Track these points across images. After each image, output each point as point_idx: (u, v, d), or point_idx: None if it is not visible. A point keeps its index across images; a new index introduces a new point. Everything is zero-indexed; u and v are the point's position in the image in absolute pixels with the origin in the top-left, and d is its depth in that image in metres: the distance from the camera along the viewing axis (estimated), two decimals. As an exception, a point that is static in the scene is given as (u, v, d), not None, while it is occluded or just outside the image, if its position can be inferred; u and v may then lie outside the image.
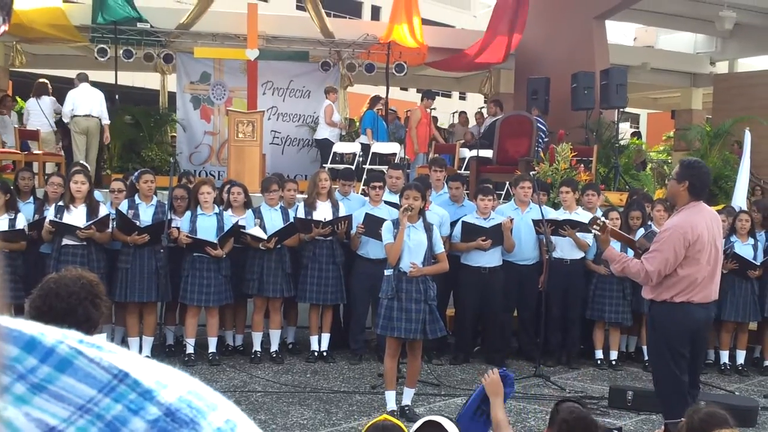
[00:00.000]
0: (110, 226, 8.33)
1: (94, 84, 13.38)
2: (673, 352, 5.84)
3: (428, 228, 6.99)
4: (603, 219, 6.30)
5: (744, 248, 9.25)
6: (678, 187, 5.80)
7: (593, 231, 6.08)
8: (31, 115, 13.59)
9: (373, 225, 8.49)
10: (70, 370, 0.68)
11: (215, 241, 8.42)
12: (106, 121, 12.86)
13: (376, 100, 15.33)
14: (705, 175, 5.90)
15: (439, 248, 7.07)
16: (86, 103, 12.66)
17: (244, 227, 8.74)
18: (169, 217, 8.40)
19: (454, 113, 19.82)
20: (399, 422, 3.74)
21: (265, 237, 8.60)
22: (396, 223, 6.93)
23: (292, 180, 9.97)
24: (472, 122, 18.38)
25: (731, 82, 19.83)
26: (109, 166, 14.31)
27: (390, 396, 6.96)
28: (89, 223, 8.10)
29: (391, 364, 6.95)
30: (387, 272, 6.95)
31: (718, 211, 9.82)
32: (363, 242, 8.86)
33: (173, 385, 0.71)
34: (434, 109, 15.73)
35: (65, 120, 13.07)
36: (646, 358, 9.02)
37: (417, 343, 6.94)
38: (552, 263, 8.84)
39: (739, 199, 11.48)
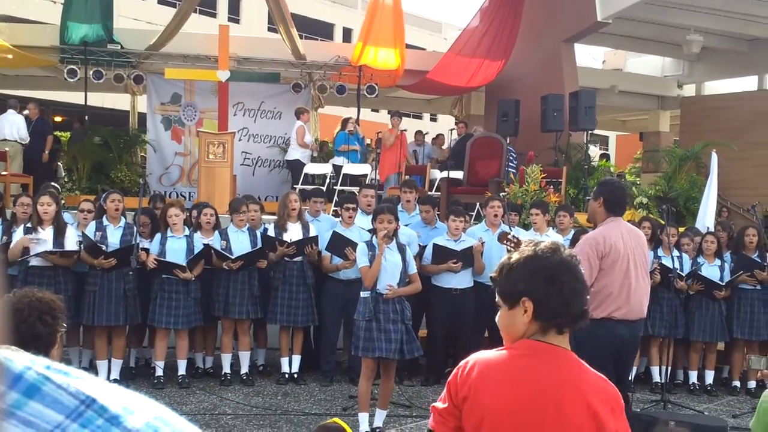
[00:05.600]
0: (76, 248, 8.25)
1: (64, 104, 13.47)
2: (596, 370, 5.80)
3: (402, 249, 7.03)
4: (515, 235, 6.35)
5: (710, 269, 9.34)
6: (594, 204, 5.92)
7: (506, 246, 6.09)
8: None
9: (339, 244, 8.48)
10: (38, 396, 0.68)
11: (184, 264, 8.37)
12: (24, 142, 14.25)
13: (346, 121, 15.36)
14: (619, 191, 5.99)
15: (413, 269, 7.11)
16: (2, 129, 14.03)
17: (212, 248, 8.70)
18: (137, 240, 8.34)
19: (417, 133, 19.88)
20: (345, 425, 3.82)
21: (231, 256, 8.58)
22: (370, 245, 6.94)
23: (255, 201, 9.89)
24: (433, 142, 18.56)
25: (698, 105, 20.09)
26: (78, 187, 14.23)
27: (363, 418, 6.93)
28: (55, 251, 8.04)
29: (367, 385, 6.92)
30: (364, 294, 6.94)
31: (682, 233, 9.96)
32: (335, 263, 8.84)
33: (140, 410, 0.71)
34: (405, 130, 15.77)
35: None
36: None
37: (391, 364, 6.94)
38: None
39: (708, 220, 11.61)
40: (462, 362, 2.48)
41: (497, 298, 2.51)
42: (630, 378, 6.30)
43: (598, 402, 2.38)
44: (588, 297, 2.47)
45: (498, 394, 2.36)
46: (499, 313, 2.54)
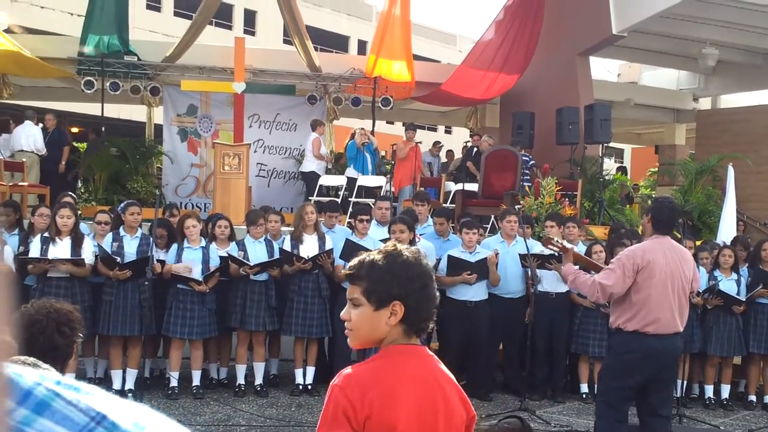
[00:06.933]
0: (92, 260, 8.28)
1: (81, 115, 13.57)
2: (621, 381, 5.88)
3: None
4: (561, 241, 6.42)
5: (727, 284, 9.28)
6: (644, 220, 6.33)
7: (551, 250, 6.30)
8: None
9: (353, 252, 8.47)
10: (47, 412, 0.68)
11: (200, 279, 8.40)
12: (40, 153, 14.59)
13: (354, 133, 15.33)
14: (666, 210, 6.14)
15: None
16: (19, 140, 14.37)
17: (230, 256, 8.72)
18: (153, 252, 8.36)
19: (435, 143, 19.93)
20: None
21: (250, 262, 8.61)
22: None
23: (276, 212, 9.92)
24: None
25: (714, 118, 20.00)
26: (94, 197, 14.28)
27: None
28: (67, 258, 8.07)
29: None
30: None
31: (699, 247, 9.89)
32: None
33: (151, 427, 0.71)
34: (420, 142, 15.77)
35: (6, 154, 14.28)
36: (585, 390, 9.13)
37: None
38: (537, 296, 8.85)
39: (725, 234, 11.53)
40: (340, 384, 2.37)
41: (357, 295, 2.49)
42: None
43: (462, 390, 2.53)
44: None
45: (401, 404, 2.37)
46: (357, 312, 2.51)
